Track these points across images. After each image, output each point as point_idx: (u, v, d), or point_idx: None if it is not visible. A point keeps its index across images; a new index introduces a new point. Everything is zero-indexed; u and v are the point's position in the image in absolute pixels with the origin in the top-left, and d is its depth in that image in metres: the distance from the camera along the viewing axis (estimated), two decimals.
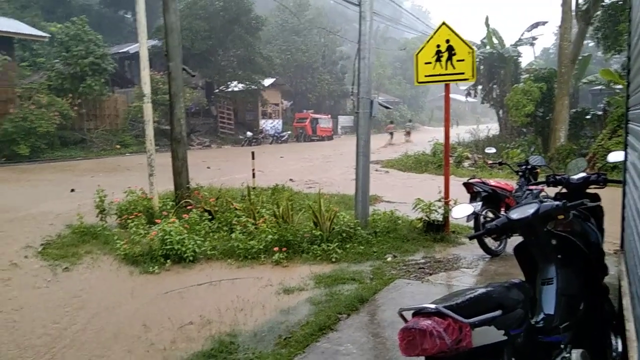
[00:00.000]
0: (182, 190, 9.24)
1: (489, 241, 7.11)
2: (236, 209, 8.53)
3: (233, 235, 7.63)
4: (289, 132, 42.33)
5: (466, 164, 19.54)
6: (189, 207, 8.58)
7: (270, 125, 42.68)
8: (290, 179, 14.06)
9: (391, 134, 37.70)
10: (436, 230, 8.17)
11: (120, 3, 42.14)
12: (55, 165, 19.56)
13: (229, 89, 37.74)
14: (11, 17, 29.07)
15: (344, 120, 54.38)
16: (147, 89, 8.94)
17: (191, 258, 7.08)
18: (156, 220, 7.87)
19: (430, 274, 6.49)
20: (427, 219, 8.26)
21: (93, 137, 25.57)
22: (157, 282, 6.51)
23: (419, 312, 2.14)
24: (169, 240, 7.09)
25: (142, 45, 8.98)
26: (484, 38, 29.75)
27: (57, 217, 8.91)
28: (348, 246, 7.42)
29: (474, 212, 6.47)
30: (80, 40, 25.02)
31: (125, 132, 27.28)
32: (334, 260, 7.04)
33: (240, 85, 37.30)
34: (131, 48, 33.44)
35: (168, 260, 6.99)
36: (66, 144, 23.55)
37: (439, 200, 8.22)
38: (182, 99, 9.62)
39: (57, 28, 26.50)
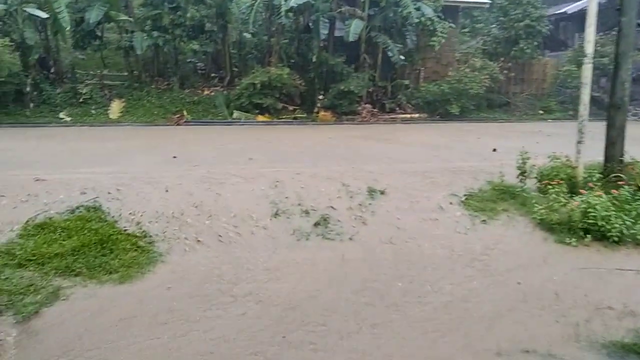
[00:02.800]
0: (614, 162, 8.23)
1: None
2: None
3: None
4: None
5: None
6: (619, 183, 7.59)
7: None
8: None
9: None
10: None
11: None
12: (480, 125, 20.91)
13: None
14: None
15: None
16: (590, 47, 8.20)
17: (616, 239, 6.31)
18: (580, 191, 7.33)
19: None
20: None
21: (517, 101, 25.84)
22: (573, 255, 6.12)
23: None
24: (592, 214, 6.51)
25: (592, 1, 8.21)
26: None
27: (479, 172, 9.51)
28: None
29: None
30: (519, 3, 25.22)
31: (550, 97, 26.35)
32: None
33: None
34: (569, 8, 31.46)
35: (588, 235, 6.45)
36: (491, 106, 24.67)
37: None
38: (631, 60, 8.40)
39: None
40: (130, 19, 18.81)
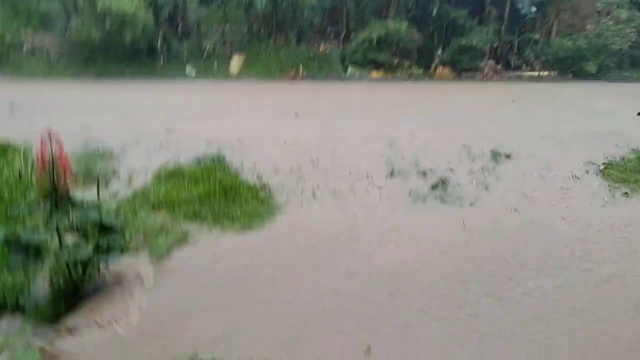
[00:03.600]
0: None
1: None
2: None
3: None
4: None
5: None
6: None
7: None
8: None
9: None
10: None
11: None
12: (622, 86, 18.59)
13: None
14: None
15: None
16: None
17: None
18: None
19: None
20: None
21: None
22: None
23: None
24: None
25: None
26: None
27: (621, 138, 8.47)
28: None
29: None
30: None
31: None
32: None
33: None
34: None
35: None
36: (636, 64, 21.82)
37: None
38: None
39: None
40: None
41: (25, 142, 7.20)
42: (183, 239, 5.43)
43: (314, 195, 6.61)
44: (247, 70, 18.17)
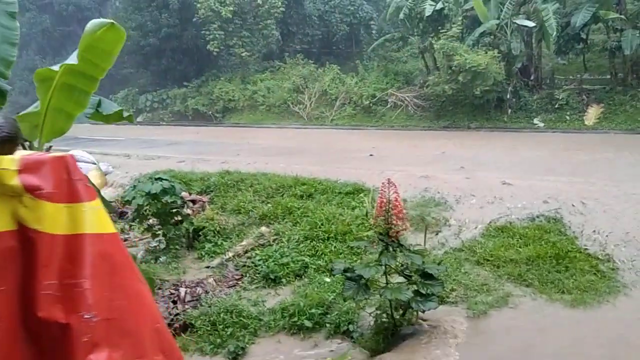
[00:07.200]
0: None
1: None
2: None
3: None
4: None
5: None
6: None
7: None
8: None
9: None
10: None
11: None
12: None
13: None
14: None
15: None
16: None
17: None
18: None
19: None
20: None
21: None
22: None
23: None
24: None
25: None
26: None
27: None
28: None
29: None
30: None
31: None
32: None
33: None
34: None
35: None
36: None
37: None
38: None
39: None
40: (621, 16, 17.12)
41: (374, 186, 8.26)
42: (503, 300, 5.17)
43: None
44: (606, 122, 16.18)
